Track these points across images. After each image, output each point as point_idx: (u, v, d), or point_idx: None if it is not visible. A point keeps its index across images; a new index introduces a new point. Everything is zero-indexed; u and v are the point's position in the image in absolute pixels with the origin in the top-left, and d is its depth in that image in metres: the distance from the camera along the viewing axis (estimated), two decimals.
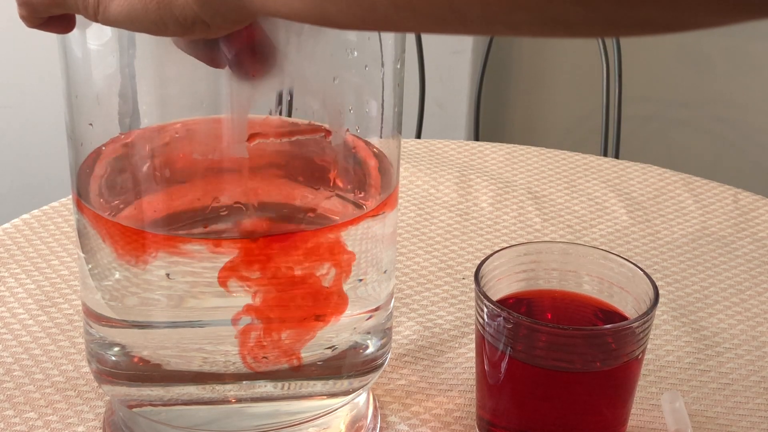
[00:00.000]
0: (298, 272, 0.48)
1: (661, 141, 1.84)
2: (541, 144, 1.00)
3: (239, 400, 0.51)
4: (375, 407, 0.59)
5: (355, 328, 0.52)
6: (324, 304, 0.50)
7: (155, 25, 0.38)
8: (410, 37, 1.38)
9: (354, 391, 0.54)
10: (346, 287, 0.51)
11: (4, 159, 1.85)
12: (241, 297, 0.48)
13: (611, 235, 0.81)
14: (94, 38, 0.46)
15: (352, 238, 0.50)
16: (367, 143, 0.51)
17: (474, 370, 0.56)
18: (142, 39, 0.42)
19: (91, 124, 0.49)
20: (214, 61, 0.44)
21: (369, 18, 0.33)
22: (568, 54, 1.81)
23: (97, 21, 0.40)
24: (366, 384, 0.54)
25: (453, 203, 0.86)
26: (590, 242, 0.79)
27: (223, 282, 0.48)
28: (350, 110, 0.50)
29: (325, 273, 0.49)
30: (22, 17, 0.43)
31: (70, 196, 0.53)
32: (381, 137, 0.52)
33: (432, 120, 1.64)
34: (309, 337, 0.50)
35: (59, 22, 0.43)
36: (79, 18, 0.43)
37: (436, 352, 0.65)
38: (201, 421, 0.52)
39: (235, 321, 0.49)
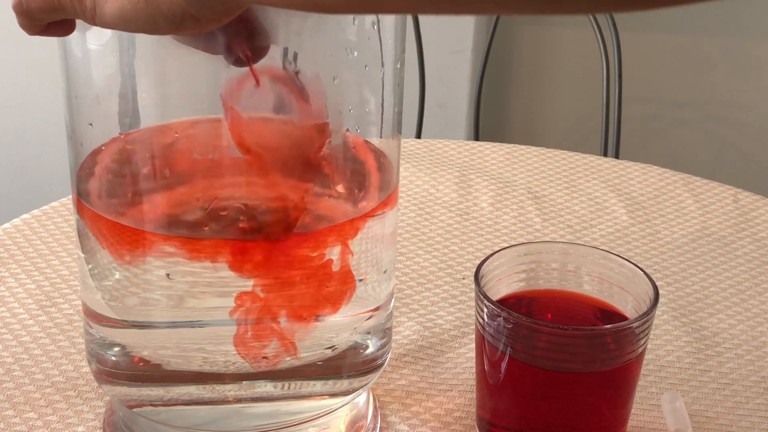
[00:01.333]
0: (297, 271, 0.48)
1: (661, 141, 1.84)
2: (541, 144, 1.00)
3: (239, 400, 0.51)
4: (375, 407, 0.59)
5: (355, 328, 0.52)
6: (324, 302, 0.50)
7: (147, 24, 0.38)
8: (410, 37, 1.38)
9: (354, 391, 0.54)
10: (345, 287, 0.51)
11: (4, 159, 1.85)
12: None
13: (611, 235, 0.81)
14: (94, 38, 0.46)
15: (351, 238, 0.50)
16: (367, 143, 0.51)
17: (474, 370, 0.56)
18: (142, 39, 0.42)
19: (91, 124, 0.49)
20: (211, 49, 0.44)
21: (357, 1, 0.32)
22: (568, 54, 1.81)
23: (95, 24, 0.40)
24: (366, 384, 0.54)
25: (453, 203, 0.86)
26: (590, 242, 0.79)
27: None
28: (350, 110, 0.50)
29: (325, 271, 0.49)
30: (22, 26, 0.42)
31: (70, 196, 0.53)
32: (381, 137, 0.52)
33: (432, 120, 1.64)
34: (311, 328, 0.50)
35: (59, 27, 0.43)
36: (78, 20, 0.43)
37: (436, 352, 0.65)
38: (201, 421, 0.52)
39: (234, 312, 0.49)
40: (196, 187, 0.49)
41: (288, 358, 0.50)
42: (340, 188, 0.51)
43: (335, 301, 0.50)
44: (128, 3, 0.38)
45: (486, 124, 1.69)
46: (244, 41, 0.43)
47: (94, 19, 0.40)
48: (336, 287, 0.50)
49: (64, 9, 0.40)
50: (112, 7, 0.38)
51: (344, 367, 0.53)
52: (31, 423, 0.57)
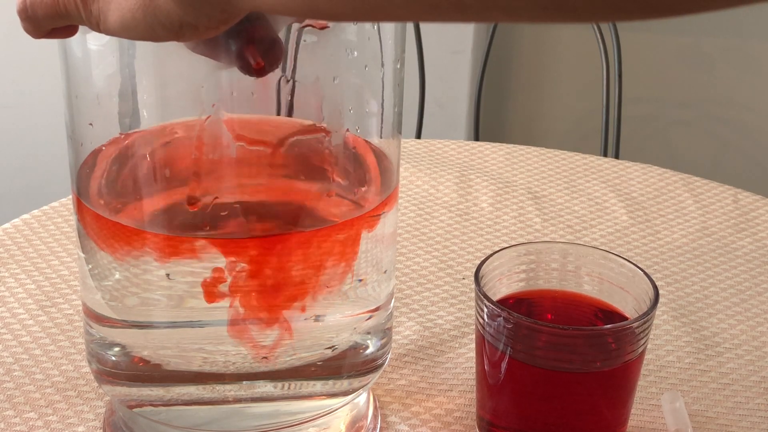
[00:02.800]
0: (297, 272, 0.49)
1: (661, 141, 1.84)
2: (541, 144, 1.00)
3: (239, 400, 0.51)
4: (375, 407, 0.59)
5: (355, 328, 0.52)
6: (322, 302, 0.50)
7: (146, 32, 0.38)
8: (410, 37, 1.38)
9: (354, 391, 0.54)
10: (344, 287, 0.51)
11: (4, 159, 1.85)
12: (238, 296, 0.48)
13: (611, 235, 0.81)
14: (94, 39, 0.46)
15: (351, 238, 0.50)
16: (367, 143, 0.51)
17: (474, 370, 0.56)
18: None
19: (91, 124, 0.49)
20: (224, 59, 0.44)
21: (361, 8, 0.32)
22: (568, 54, 1.81)
23: (100, 32, 0.40)
24: (366, 384, 0.54)
25: (453, 203, 0.86)
26: (590, 242, 0.79)
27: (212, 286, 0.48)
28: (350, 110, 0.50)
29: (325, 272, 0.49)
30: (27, 31, 0.42)
31: (70, 196, 0.53)
32: (381, 137, 0.52)
33: (432, 120, 1.64)
34: (311, 327, 0.50)
35: (63, 31, 0.43)
36: None
37: (436, 352, 0.65)
38: (201, 421, 0.52)
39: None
40: (197, 188, 0.49)
41: (287, 357, 0.50)
42: (340, 188, 0.51)
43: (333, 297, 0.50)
44: (128, 12, 0.38)
45: (486, 124, 1.69)
46: (256, 49, 0.43)
47: (99, 27, 0.40)
48: (335, 286, 0.50)
49: (69, 16, 0.40)
50: (114, 16, 0.38)
51: (344, 367, 0.53)
52: (31, 423, 0.57)
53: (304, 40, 0.46)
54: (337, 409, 0.54)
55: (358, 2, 0.32)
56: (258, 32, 0.43)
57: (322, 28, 0.46)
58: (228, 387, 0.50)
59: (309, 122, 0.49)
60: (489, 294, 0.53)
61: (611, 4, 0.28)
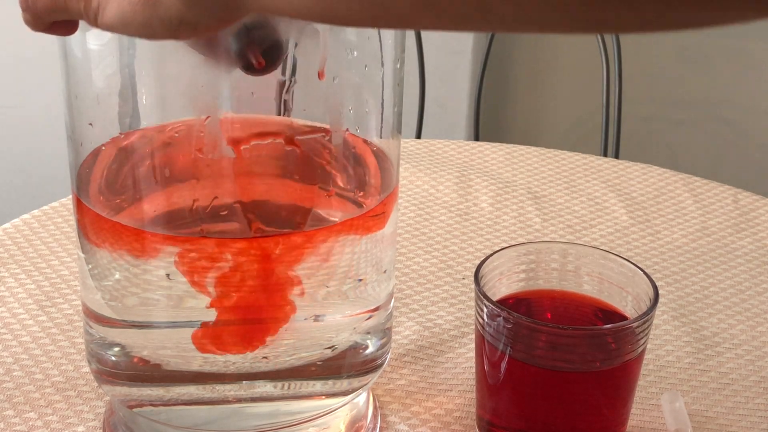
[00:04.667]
0: (296, 271, 0.49)
1: (661, 141, 1.84)
2: (541, 144, 1.00)
3: (239, 400, 0.51)
4: (375, 407, 0.59)
5: (354, 328, 0.52)
6: (321, 302, 0.50)
7: (144, 28, 0.38)
8: (410, 37, 1.38)
9: (354, 391, 0.54)
10: (344, 287, 0.51)
11: (4, 159, 1.85)
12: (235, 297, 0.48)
13: (611, 235, 0.81)
14: (94, 38, 0.46)
15: (351, 237, 0.50)
16: (367, 143, 0.51)
17: (474, 370, 0.56)
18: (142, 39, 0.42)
19: (91, 124, 0.49)
20: (222, 59, 0.43)
21: (382, 16, 0.31)
22: (568, 54, 1.81)
23: (97, 27, 0.40)
24: (366, 384, 0.54)
25: (453, 203, 0.86)
26: (590, 242, 0.79)
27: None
28: (350, 110, 0.50)
29: (324, 272, 0.49)
30: (27, 23, 0.43)
31: (70, 196, 0.53)
32: (381, 137, 0.52)
33: (432, 120, 1.64)
34: (312, 328, 0.50)
35: (63, 26, 0.43)
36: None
37: (436, 352, 0.65)
38: (201, 421, 0.52)
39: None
40: (196, 187, 0.49)
41: (287, 357, 0.50)
42: (340, 188, 0.51)
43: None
44: (128, 5, 0.38)
45: (486, 124, 1.69)
46: (258, 49, 0.43)
47: (97, 22, 0.40)
48: (334, 286, 0.50)
49: (69, 10, 0.41)
50: (112, 11, 0.38)
51: (344, 367, 0.53)
52: (31, 423, 0.57)
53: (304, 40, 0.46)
54: (336, 409, 0.54)
55: (381, 11, 0.31)
56: (260, 33, 0.43)
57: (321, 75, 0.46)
58: (228, 387, 0.50)
59: (308, 122, 0.49)
60: (489, 294, 0.53)
61: (645, 22, 0.28)
